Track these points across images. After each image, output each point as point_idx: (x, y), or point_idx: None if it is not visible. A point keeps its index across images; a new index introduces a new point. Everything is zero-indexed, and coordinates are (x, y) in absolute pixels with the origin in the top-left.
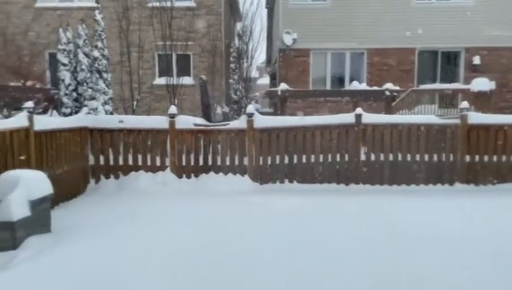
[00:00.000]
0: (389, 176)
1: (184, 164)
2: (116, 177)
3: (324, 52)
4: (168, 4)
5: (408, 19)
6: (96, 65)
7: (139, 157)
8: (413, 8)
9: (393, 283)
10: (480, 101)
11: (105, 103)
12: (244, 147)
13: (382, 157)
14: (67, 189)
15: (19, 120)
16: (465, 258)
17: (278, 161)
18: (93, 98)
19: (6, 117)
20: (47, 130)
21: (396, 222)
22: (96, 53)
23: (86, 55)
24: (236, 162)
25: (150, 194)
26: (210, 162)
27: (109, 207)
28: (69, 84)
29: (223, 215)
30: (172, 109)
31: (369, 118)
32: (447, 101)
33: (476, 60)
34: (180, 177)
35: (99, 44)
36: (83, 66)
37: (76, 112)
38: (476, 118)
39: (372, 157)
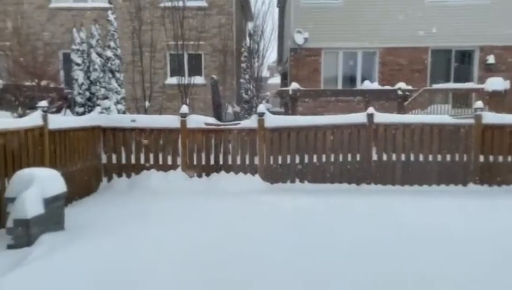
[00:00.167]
0: (401, 176)
1: (195, 163)
2: (128, 176)
3: (336, 51)
4: (180, 4)
5: (421, 18)
6: (109, 65)
7: (151, 156)
8: (426, 6)
9: (399, 284)
10: (495, 100)
11: (117, 102)
12: (255, 147)
13: (394, 157)
14: (80, 187)
15: (33, 119)
16: (476, 260)
17: (288, 161)
18: (106, 98)
19: (21, 116)
20: (61, 129)
21: (407, 223)
22: (109, 53)
23: (99, 55)
24: (247, 162)
25: (161, 193)
26: (221, 162)
27: (121, 206)
28: (82, 84)
29: (233, 214)
30: (184, 109)
31: (381, 117)
32: (461, 100)
33: (491, 59)
34: (191, 176)
35: (112, 44)
36: (96, 66)
37: (89, 111)
38: (491, 118)
39: (384, 157)
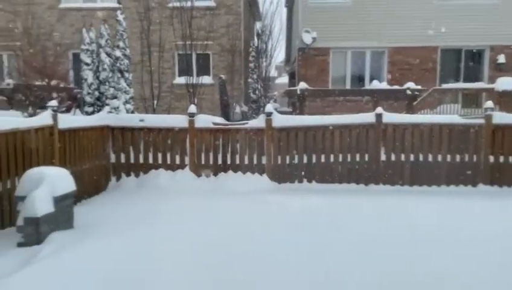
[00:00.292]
0: (410, 177)
1: (203, 162)
2: (137, 175)
3: (344, 51)
4: (188, 4)
5: (431, 17)
6: (118, 65)
7: (159, 155)
8: (436, 5)
9: (405, 284)
10: (505, 100)
11: (126, 102)
12: (262, 146)
13: (403, 157)
14: (90, 186)
15: (43, 118)
16: (484, 261)
17: (296, 160)
18: (114, 97)
19: (32, 116)
20: (70, 128)
21: (416, 224)
22: (118, 53)
23: (108, 55)
24: (255, 161)
25: (169, 192)
26: (229, 161)
27: (129, 205)
28: (92, 84)
29: (241, 214)
30: (192, 108)
31: (390, 117)
32: (471, 100)
33: (501, 58)
34: (199, 175)
35: (121, 44)
36: (105, 66)
37: (99, 111)
38: (501, 118)
39: (393, 157)
